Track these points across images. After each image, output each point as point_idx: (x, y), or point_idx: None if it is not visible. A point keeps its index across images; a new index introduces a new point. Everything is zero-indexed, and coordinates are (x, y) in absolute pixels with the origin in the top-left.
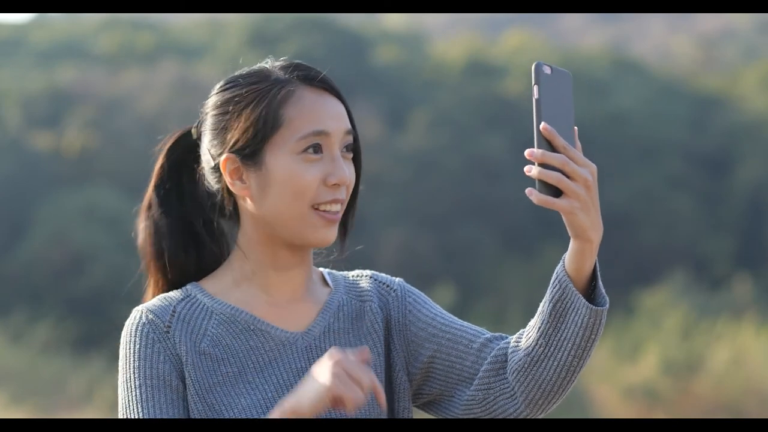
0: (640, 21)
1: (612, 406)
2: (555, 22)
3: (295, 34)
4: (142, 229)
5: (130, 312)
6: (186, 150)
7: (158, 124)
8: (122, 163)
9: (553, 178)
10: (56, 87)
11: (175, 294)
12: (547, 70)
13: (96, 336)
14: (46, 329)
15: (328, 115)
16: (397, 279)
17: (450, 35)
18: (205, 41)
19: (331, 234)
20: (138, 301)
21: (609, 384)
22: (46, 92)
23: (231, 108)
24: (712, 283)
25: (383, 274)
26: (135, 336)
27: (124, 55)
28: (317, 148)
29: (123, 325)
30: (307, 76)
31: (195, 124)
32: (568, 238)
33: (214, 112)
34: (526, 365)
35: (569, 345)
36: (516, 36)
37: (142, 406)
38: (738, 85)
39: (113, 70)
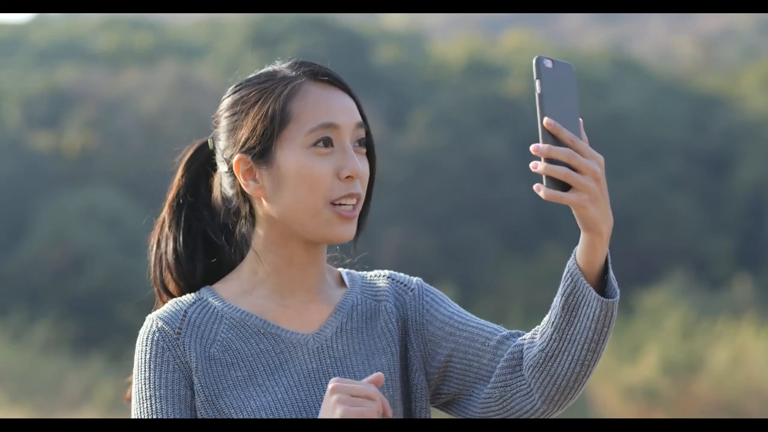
0: (640, 21)
1: (612, 406)
2: (555, 22)
3: (295, 34)
4: (153, 255)
5: (129, 312)
6: (204, 161)
7: (158, 124)
8: (122, 163)
9: (560, 173)
10: (56, 87)
11: (187, 297)
12: (548, 63)
13: (95, 336)
14: (45, 329)
15: (336, 108)
16: (415, 278)
17: (450, 35)
18: (205, 41)
19: (350, 231)
20: (137, 300)
21: (609, 384)
22: (46, 92)
23: (240, 108)
24: (712, 283)
25: (401, 274)
26: (146, 345)
27: (123, 55)
28: (327, 142)
29: (123, 325)
30: (313, 71)
31: (211, 135)
32: (569, 238)
33: (225, 114)
34: (540, 361)
35: (582, 339)
36: (516, 36)
37: (152, 417)
38: (738, 85)
39: (113, 70)
